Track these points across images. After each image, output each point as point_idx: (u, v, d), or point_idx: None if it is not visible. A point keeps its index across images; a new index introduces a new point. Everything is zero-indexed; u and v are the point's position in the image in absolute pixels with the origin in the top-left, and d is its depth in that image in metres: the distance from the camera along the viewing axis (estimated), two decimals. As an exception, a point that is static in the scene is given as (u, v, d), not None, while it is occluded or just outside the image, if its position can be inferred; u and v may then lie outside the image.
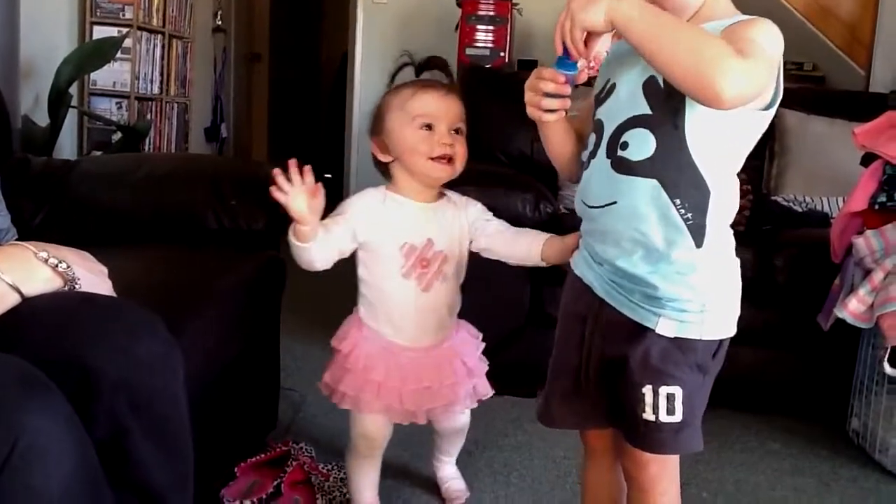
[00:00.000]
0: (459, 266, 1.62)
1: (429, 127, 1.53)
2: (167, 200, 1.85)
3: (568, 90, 1.21)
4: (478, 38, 4.05)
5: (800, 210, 2.70)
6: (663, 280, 1.17)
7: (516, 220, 2.35)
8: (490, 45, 4.04)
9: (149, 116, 4.03)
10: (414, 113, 1.53)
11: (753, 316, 2.36)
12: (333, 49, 7.00)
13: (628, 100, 1.16)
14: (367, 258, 1.60)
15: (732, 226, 2.84)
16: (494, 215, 1.65)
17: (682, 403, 1.18)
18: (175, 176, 1.92)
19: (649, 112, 1.13)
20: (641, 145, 1.14)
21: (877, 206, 2.13)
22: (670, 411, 1.18)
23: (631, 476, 1.28)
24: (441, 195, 1.62)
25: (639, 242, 1.17)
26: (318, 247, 1.47)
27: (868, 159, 2.22)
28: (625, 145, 1.16)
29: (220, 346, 1.52)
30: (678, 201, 1.13)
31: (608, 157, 1.18)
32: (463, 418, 1.77)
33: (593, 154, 1.21)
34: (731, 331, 1.24)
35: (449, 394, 1.62)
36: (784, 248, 2.38)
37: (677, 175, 1.13)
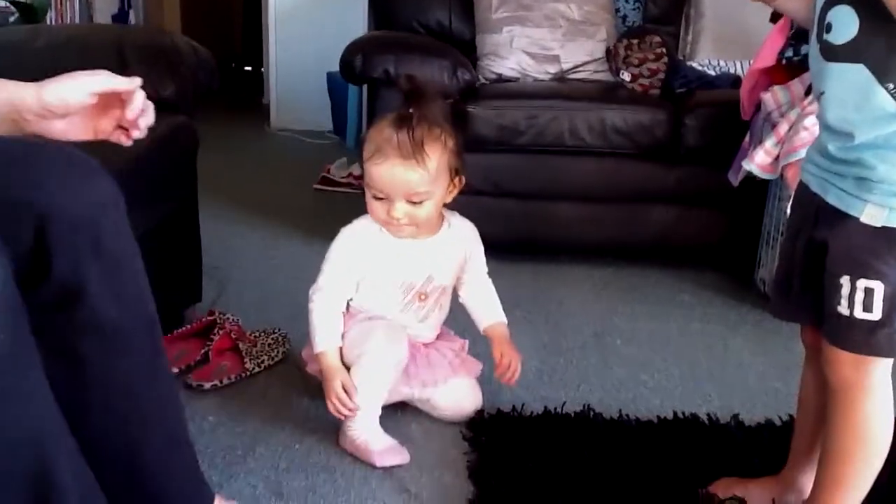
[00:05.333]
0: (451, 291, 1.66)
1: (382, 198, 1.50)
2: (68, 69, 1.77)
3: None
4: None
5: (713, 73, 2.75)
6: (879, 159, 1.07)
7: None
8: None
9: (47, -2, 3.81)
10: (368, 180, 1.50)
11: (666, 174, 2.46)
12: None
13: None
14: (362, 290, 1.59)
15: (646, 90, 2.87)
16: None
17: (883, 301, 1.09)
18: (75, 43, 1.84)
19: None
20: (843, 26, 1.05)
21: (784, 61, 2.18)
22: (867, 307, 1.10)
23: (826, 377, 1.19)
24: (441, 219, 1.60)
25: (850, 132, 1.09)
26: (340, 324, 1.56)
27: (777, 15, 2.26)
28: (829, 27, 1.07)
29: (136, 211, 1.49)
30: (891, 85, 1.03)
31: (818, 41, 1.09)
32: (468, 401, 1.65)
33: (815, 37, 1.11)
34: None
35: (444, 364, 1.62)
36: (695, 109, 2.44)
37: (887, 54, 1.03)
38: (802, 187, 1.22)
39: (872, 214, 1.09)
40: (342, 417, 1.50)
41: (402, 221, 1.50)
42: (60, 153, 0.99)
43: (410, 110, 1.48)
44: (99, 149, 1.43)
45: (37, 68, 1.79)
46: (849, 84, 1.07)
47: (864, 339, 1.12)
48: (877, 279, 1.09)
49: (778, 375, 1.90)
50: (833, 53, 1.08)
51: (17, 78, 1.78)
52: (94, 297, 0.95)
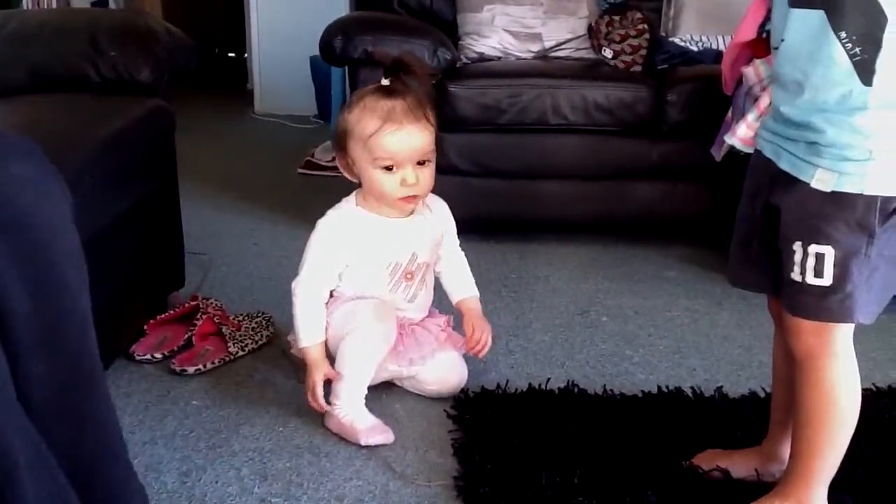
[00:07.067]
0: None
1: (392, 167, 1.50)
2: (42, 54, 1.76)
3: None
4: None
5: (696, 49, 2.74)
6: (828, 123, 1.07)
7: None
8: None
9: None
10: (375, 154, 1.48)
11: (649, 150, 2.46)
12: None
13: None
14: (348, 277, 1.59)
15: (628, 67, 2.85)
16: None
17: (834, 266, 1.09)
18: (48, 28, 1.82)
19: None
20: None
21: (765, 34, 2.16)
22: (818, 273, 1.10)
23: (789, 346, 1.20)
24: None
25: (801, 85, 1.08)
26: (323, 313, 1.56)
27: (757, -12, 2.24)
28: None
29: (111, 193, 1.49)
30: (843, 34, 1.03)
31: None
32: (454, 375, 1.65)
33: None
34: None
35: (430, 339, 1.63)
36: (678, 85, 2.43)
37: (842, 1, 1.03)
38: (757, 153, 1.22)
39: (822, 179, 1.09)
40: (320, 410, 1.52)
41: (417, 188, 1.51)
42: None
43: (386, 82, 1.50)
44: (69, 131, 1.43)
45: (7, 53, 1.79)
46: (806, 32, 1.07)
47: (816, 305, 1.12)
48: (827, 244, 1.09)
49: (763, 348, 1.90)
50: None
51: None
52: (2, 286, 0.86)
